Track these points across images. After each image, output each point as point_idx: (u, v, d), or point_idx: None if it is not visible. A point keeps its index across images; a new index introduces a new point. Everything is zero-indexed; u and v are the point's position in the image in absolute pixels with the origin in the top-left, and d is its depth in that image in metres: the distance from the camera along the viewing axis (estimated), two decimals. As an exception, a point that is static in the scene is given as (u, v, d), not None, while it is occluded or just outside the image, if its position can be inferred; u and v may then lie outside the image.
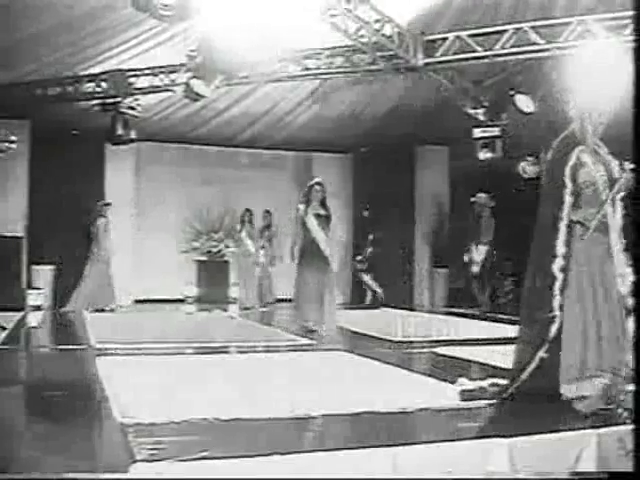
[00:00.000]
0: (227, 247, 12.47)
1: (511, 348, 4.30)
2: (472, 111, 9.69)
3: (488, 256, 10.41)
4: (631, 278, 3.80)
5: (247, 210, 11.24)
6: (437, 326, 8.58)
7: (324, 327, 7.37)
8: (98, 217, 10.55)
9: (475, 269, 10.47)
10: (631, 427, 3.23)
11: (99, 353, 5.81)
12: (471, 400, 4.01)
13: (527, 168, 9.97)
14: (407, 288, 12.61)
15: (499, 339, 6.55)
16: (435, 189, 13.00)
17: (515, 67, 8.88)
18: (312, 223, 7.50)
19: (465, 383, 4.38)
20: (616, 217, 3.91)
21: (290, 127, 11.87)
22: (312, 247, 7.47)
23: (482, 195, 10.54)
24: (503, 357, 4.94)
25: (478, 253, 10.42)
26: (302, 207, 7.60)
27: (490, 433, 3.31)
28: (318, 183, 7.73)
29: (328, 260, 7.54)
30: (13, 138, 9.38)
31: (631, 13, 6.43)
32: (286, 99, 10.79)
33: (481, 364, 5.54)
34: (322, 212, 7.59)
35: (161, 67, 9.38)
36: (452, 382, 4.49)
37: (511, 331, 4.78)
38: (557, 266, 3.86)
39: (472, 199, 10.56)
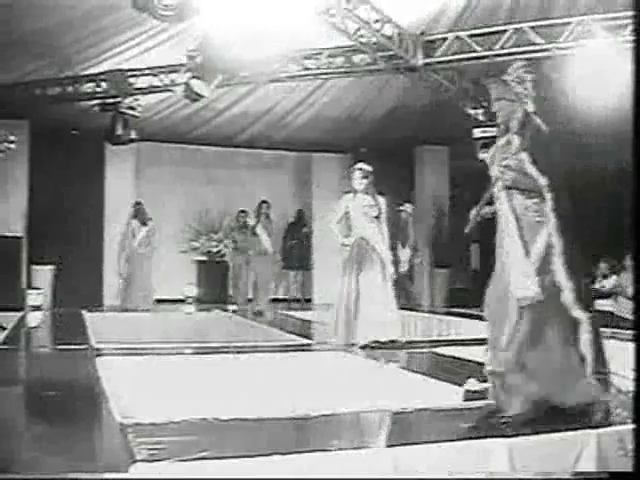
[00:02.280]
0: (228, 246, 12.43)
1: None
2: (472, 111, 9.69)
3: (412, 257, 11.60)
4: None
5: (264, 202, 10.80)
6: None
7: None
8: (132, 218, 10.61)
9: (402, 268, 11.12)
10: (631, 427, 3.23)
11: (99, 353, 5.81)
12: (473, 400, 4.00)
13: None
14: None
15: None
16: (435, 189, 13.01)
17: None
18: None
19: (474, 384, 4.35)
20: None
21: (290, 127, 11.87)
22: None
23: (408, 205, 11.67)
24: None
25: (403, 254, 11.34)
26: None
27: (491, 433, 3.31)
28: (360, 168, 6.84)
29: None
30: (13, 138, 9.37)
31: (631, 13, 6.44)
32: (286, 99, 10.79)
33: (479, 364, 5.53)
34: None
35: (161, 67, 9.39)
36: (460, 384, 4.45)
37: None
38: None
39: (400, 208, 11.41)
